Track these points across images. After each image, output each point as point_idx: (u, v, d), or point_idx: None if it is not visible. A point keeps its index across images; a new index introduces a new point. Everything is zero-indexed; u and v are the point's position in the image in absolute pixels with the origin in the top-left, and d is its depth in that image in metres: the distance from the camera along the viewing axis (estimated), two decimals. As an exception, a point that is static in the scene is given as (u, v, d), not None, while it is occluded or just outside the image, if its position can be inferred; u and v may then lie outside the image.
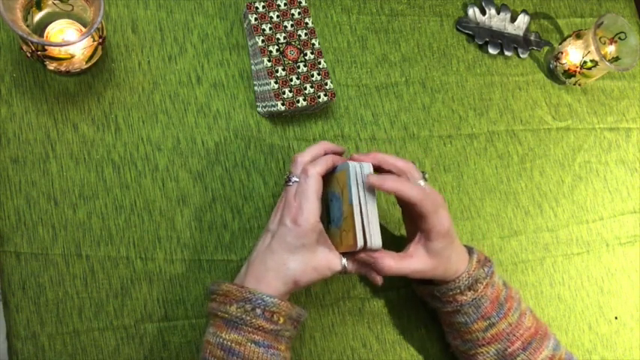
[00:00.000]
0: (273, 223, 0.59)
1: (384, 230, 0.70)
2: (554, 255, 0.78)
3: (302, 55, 0.68)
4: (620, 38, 0.81)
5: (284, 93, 0.65)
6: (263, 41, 0.67)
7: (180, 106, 0.67)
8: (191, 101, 0.68)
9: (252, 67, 0.71)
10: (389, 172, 0.60)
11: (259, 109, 0.70)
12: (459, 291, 0.60)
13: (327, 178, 0.59)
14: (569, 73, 0.83)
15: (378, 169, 0.60)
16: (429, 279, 0.61)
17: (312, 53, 0.68)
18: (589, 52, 0.79)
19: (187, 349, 0.62)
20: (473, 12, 0.83)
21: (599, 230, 0.82)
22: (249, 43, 0.71)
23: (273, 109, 0.66)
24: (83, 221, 0.62)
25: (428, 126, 0.77)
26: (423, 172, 0.61)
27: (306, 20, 0.69)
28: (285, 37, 0.67)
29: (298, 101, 0.66)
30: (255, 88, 0.70)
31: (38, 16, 0.61)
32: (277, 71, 0.66)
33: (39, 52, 0.58)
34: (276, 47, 0.67)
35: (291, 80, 0.66)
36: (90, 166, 0.63)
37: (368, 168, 0.57)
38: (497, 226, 0.77)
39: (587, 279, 0.79)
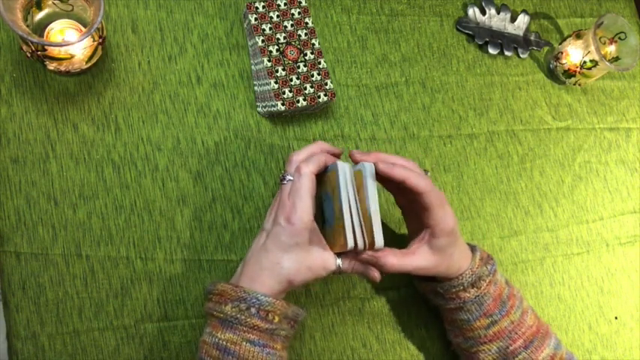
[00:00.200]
0: (268, 222, 0.59)
1: (384, 229, 0.70)
2: (554, 255, 0.78)
3: (302, 55, 0.68)
4: (620, 38, 0.81)
5: (284, 93, 0.65)
6: (263, 41, 0.67)
7: (180, 106, 0.67)
8: (191, 101, 0.68)
9: (252, 67, 0.71)
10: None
11: (259, 109, 0.70)
12: (462, 288, 0.60)
13: (320, 177, 0.59)
14: (569, 73, 0.83)
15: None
16: (432, 276, 0.61)
17: (312, 53, 0.68)
18: (589, 52, 0.79)
19: (187, 349, 0.62)
20: (473, 12, 0.83)
21: (599, 230, 0.82)
22: (249, 43, 0.71)
23: (273, 109, 0.66)
24: (83, 221, 0.62)
25: (428, 126, 0.77)
26: (425, 171, 0.61)
27: (306, 20, 0.69)
28: (285, 37, 0.67)
29: (298, 101, 0.66)
30: (255, 88, 0.70)
31: (38, 16, 0.61)
32: (277, 71, 0.66)
33: (39, 52, 0.58)
34: (276, 47, 0.67)
35: (291, 80, 0.66)
36: (90, 166, 0.63)
37: (370, 167, 0.56)
38: (497, 226, 0.77)
39: (587, 279, 0.79)
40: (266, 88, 0.67)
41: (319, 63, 0.68)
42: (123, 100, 0.66)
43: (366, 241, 0.55)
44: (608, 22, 0.80)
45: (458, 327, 0.64)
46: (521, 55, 0.84)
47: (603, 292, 0.79)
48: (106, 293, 0.61)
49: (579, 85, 0.85)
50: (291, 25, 0.68)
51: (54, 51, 0.59)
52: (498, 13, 0.84)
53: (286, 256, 0.55)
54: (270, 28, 0.67)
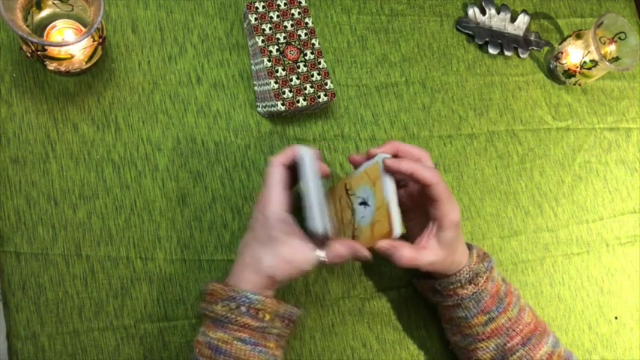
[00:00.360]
0: (251, 219, 0.59)
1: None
2: (554, 255, 0.78)
3: (302, 55, 0.68)
4: (620, 38, 0.81)
5: (284, 93, 0.65)
6: (263, 41, 0.67)
7: (180, 106, 0.67)
8: (191, 101, 0.68)
9: (252, 67, 0.71)
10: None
11: (259, 109, 0.70)
12: (459, 284, 0.60)
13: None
14: (569, 73, 0.83)
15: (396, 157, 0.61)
16: (433, 272, 0.61)
17: (312, 53, 0.68)
18: (589, 52, 0.79)
19: (187, 349, 0.62)
20: (473, 12, 0.83)
21: (599, 230, 0.82)
22: (249, 43, 0.71)
23: (273, 109, 0.66)
24: (83, 221, 0.62)
25: (428, 126, 0.77)
26: (435, 164, 0.61)
27: (306, 20, 0.69)
28: (285, 37, 0.67)
29: (298, 101, 0.66)
30: (255, 88, 0.70)
31: (38, 16, 0.61)
32: (277, 71, 0.66)
33: (39, 52, 0.58)
34: (276, 47, 0.67)
35: (291, 80, 0.66)
36: (90, 166, 0.63)
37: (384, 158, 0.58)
38: (497, 226, 0.77)
39: (587, 279, 0.79)
40: (266, 88, 0.67)
41: (319, 63, 0.68)
42: (123, 100, 0.66)
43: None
44: (608, 22, 0.80)
45: (456, 324, 0.64)
46: (521, 55, 0.84)
47: (603, 292, 0.79)
48: (106, 293, 0.61)
49: (579, 85, 0.85)
50: (291, 25, 0.68)
51: (54, 51, 0.59)
52: (498, 13, 0.84)
53: (263, 250, 0.55)
54: (270, 28, 0.67)
